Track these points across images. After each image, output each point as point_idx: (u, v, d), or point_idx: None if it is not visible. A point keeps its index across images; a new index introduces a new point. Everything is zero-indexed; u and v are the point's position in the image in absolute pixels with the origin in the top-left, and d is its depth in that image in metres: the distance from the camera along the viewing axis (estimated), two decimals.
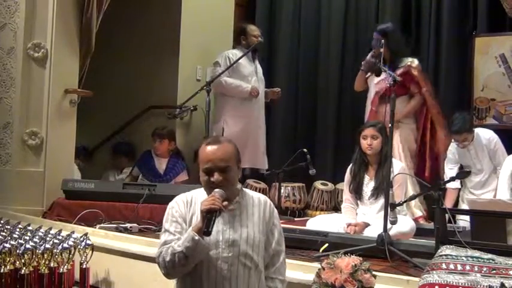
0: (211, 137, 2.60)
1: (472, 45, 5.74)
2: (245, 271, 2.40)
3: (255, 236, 2.44)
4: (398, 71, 5.00)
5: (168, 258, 2.34)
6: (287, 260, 3.32)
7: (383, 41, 4.13)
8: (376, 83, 5.27)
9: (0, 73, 5.03)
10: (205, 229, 2.28)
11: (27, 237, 3.66)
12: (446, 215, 3.33)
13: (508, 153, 4.42)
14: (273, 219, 2.52)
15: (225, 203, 2.34)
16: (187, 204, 2.48)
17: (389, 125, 3.64)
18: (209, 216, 2.29)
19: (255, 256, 2.42)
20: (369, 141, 4.24)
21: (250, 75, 5.87)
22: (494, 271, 2.50)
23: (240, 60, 5.64)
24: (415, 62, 5.26)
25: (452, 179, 3.79)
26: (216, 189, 2.37)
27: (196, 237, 2.28)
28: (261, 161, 5.93)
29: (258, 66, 6.04)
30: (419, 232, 4.26)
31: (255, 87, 5.79)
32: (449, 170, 5.16)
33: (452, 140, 5.10)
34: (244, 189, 2.56)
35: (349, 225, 4.15)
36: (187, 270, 2.36)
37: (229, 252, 2.39)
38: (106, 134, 6.51)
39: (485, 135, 5.03)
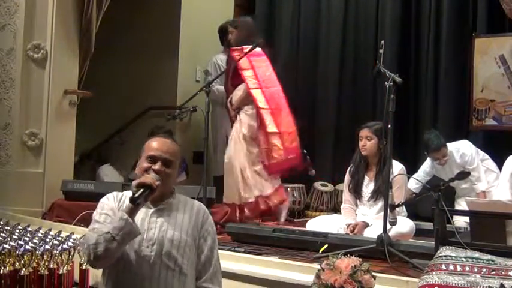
0: (164, 135, 2.67)
1: (472, 46, 5.73)
2: (168, 273, 2.34)
3: (182, 237, 2.39)
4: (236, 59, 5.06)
5: (91, 242, 2.26)
6: (286, 261, 3.35)
7: (382, 41, 4.11)
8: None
9: None
10: (132, 196, 2.28)
11: (27, 238, 3.65)
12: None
13: (507, 155, 4.42)
14: (206, 226, 2.49)
15: (158, 182, 2.34)
16: (117, 199, 2.48)
17: (389, 125, 3.63)
18: (142, 189, 2.30)
19: (180, 258, 2.36)
20: (363, 142, 4.26)
21: None
22: (493, 272, 2.50)
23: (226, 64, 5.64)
24: (248, 48, 5.09)
25: (452, 179, 3.77)
26: (155, 175, 2.39)
27: (125, 216, 2.25)
28: None
29: None
30: (419, 233, 4.26)
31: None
32: (415, 182, 5.10)
33: (427, 160, 5.19)
34: (178, 194, 2.55)
35: (349, 225, 4.15)
36: (111, 255, 2.27)
37: (152, 251, 2.34)
38: (105, 135, 6.51)
39: (458, 154, 5.10)
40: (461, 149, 5.10)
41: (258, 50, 5.09)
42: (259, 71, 5.07)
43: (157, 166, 2.42)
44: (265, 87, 5.06)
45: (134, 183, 2.33)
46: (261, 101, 5.01)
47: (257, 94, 5.03)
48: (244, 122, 5.06)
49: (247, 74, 5.05)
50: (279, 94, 5.16)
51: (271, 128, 4.99)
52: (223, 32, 5.97)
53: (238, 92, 5.15)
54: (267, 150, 4.97)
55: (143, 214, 2.41)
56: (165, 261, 2.34)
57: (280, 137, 5.01)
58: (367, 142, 4.25)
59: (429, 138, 5.05)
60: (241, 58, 4.96)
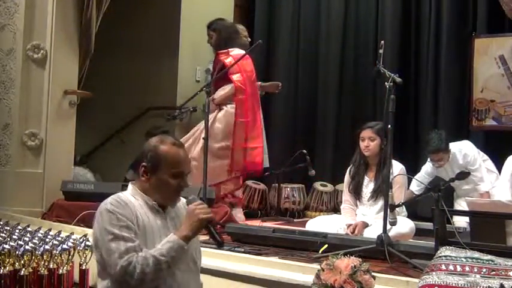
0: (171, 138, 2.47)
1: (472, 46, 5.74)
2: (190, 275, 2.35)
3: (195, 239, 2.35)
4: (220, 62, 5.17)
5: (148, 270, 2.17)
6: (286, 261, 3.36)
7: (382, 42, 4.11)
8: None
9: None
10: (220, 240, 2.31)
11: (27, 239, 3.65)
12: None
13: (507, 155, 4.42)
14: None
15: (210, 213, 2.31)
16: (126, 206, 2.29)
17: (389, 126, 3.62)
18: (210, 226, 2.28)
19: (198, 261, 2.41)
20: (366, 143, 4.24)
21: None
22: (493, 272, 2.50)
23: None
24: (234, 51, 5.21)
25: (452, 179, 3.78)
26: (193, 196, 2.36)
27: (186, 247, 2.21)
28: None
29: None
30: (419, 233, 4.26)
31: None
32: (417, 184, 5.09)
33: (428, 160, 5.14)
34: None
35: (349, 226, 4.15)
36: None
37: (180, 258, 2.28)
38: (105, 135, 6.51)
39: (461, 154, 5.05)
40: (464, 150, 5.07)
41: (242, 52, 5.13)
42: (246, 75, 5.18)
43: (183, 182, 2.36)
44: (249, 94, 5.19)
45: (205, 217, 2.25)
46: (240, 112, 5.16)
47: (240, 103, 5.17)
48: (220, 118, 5.19)
49: (235, 77, 5.16)
50: (258, 103, 5.36)
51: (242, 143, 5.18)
52: None
53: (221, 92, 5.24)
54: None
55: (160, 221, 2.34)
56: (191, 265, 2.35)
57: (244, 152, 5.19)
58: (370, 143, 4.23)
59: (431, 138, 4.98)
60: (238, 61, 4.97)
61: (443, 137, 4.96)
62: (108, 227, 2.23)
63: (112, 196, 2.34)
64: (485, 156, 5.18)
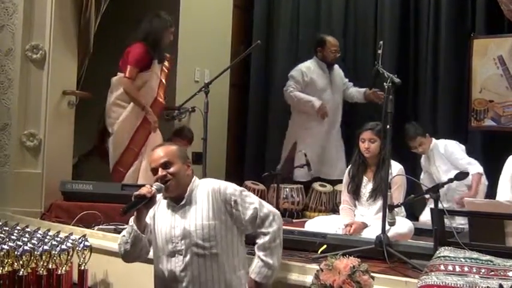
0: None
1: (470, 46, 5.74)
2: (199, 259, 2.67)
3: (204, 224, 2.69)
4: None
5: (118, 242, 2.80)
6: (285, 261, 3.35)
7: (381, 42, 4.11)
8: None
9: None
10: (124, 208, 2.63)
11: (26, 239, 3.65)
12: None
13: (506, 156, 4.42)
14: (225, 196, 2.74)
15: (153, 190, 2.67)
16: (156, 205, 2.83)
17: (387, 126, 3.62)
18: (135, 200, 2.64)
19: (207, 244, 2.67)
20: (366, 145, 4.24)
21: (324, 88, 6.03)
22: (492, 272, 2.51)
23: (313, 74, 5.96)
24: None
25: (450, 180, 3.78)
26: (158, 184, 2.72)
27: (131, 223, 2.71)
28: (337, 173, 5.91)
29: (337, 76, 6.17)
30: (418, 233, 4.26)
31: (323, 108, 5.89)
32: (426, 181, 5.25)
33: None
34: (199, 181, 2.84)
35: (346, 225, 4.15)
36: (133, 253, 2.75)
37: (182, 245, 2.69)
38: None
39: (442, 145, 5.21)
40: (447, 143, 5.22)
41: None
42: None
43: (158, 173, 2.74)
44: None
45: (134, 194, 2.67)
46: None
47: None
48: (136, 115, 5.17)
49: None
50: None
51: None
52: (318, 44, 6.11)
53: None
54: None
55: (169, 215, 2.77)
56: (195, 250, 2.68)
57: None
58: (370, 145, 4.23)
59: (406, 127, 5.26)
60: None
61: (417, 125, 5.31)
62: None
63: None
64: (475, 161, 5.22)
